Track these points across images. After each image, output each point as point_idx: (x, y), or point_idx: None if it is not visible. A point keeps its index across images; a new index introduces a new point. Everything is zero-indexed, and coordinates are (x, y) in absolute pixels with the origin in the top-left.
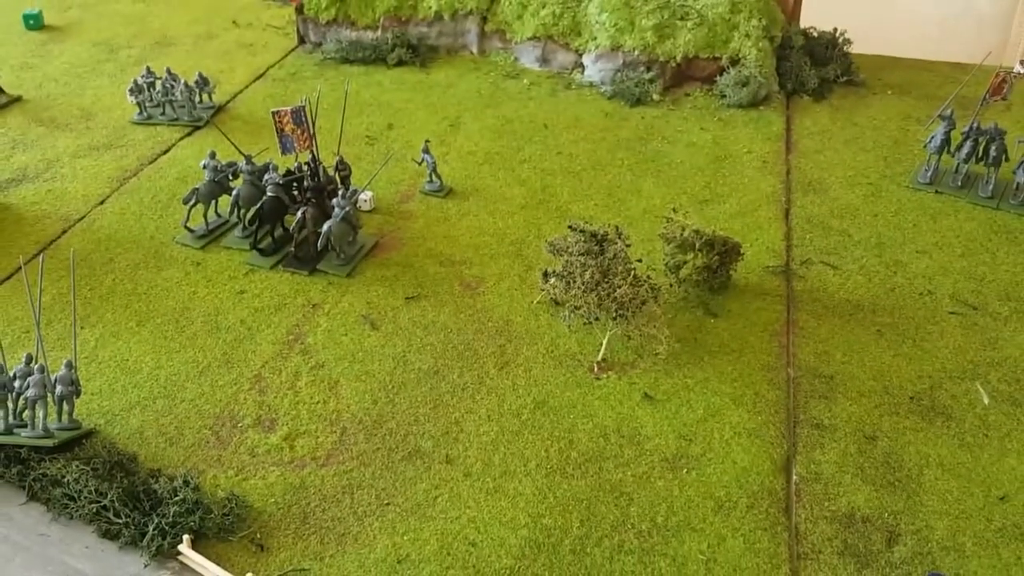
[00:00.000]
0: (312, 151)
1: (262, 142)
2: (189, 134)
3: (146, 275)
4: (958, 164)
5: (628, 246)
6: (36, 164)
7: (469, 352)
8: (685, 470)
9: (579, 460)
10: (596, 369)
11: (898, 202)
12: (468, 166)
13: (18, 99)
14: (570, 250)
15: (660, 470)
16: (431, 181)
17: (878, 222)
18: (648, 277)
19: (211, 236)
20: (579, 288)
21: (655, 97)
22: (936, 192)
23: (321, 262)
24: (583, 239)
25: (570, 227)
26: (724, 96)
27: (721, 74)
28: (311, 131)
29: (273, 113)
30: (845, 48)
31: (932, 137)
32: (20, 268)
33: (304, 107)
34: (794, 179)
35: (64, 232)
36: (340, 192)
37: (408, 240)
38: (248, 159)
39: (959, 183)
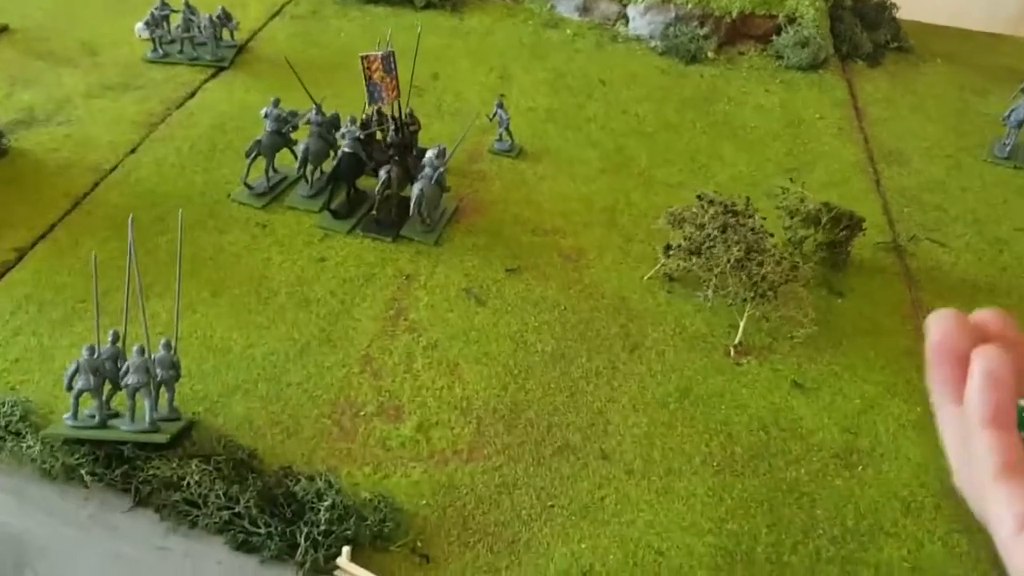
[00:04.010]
0: (398, 102)
1: (292, 88)
2: (214, 75)
3: (207, 237)
4: None
5: (764, 220)
6: (44, 104)
7: (591, 333)
8: (860, 467)
9: (745, 456)
10: (733, 353)
11: (980, 177)
12: (532, 124)
13: (4, 28)
14: (699, 222)
15: (834, 467)
16: (501, 140)
17: (968, 197)
18: (789, 254)
19: (272, 194)
20: (725, 266)
21: (710, 55)
22: (1015, 167)
23: (404, 227)
24: (719, 211)
25: (699, 197)
26: (781, 57)
27: (778, 33)
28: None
29: (362, 58)
30: (893, 12)
31: (1013, 110)
32: (55, 226)
33: (393, 52)
34: (873, 148)
35: (96, 184)
36: (429, 150)
37: (489, 204)
38: (318, 108)
39: None
